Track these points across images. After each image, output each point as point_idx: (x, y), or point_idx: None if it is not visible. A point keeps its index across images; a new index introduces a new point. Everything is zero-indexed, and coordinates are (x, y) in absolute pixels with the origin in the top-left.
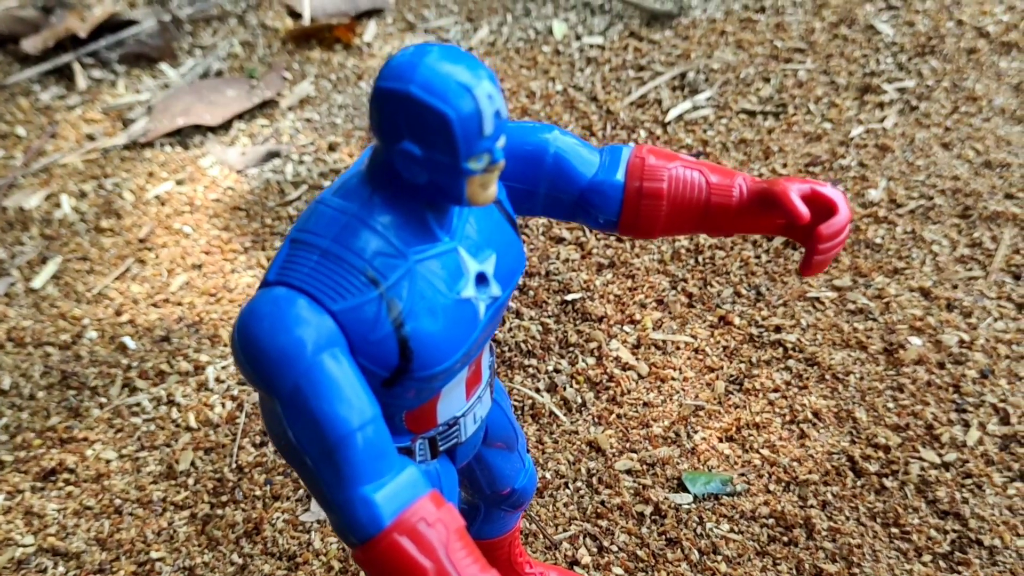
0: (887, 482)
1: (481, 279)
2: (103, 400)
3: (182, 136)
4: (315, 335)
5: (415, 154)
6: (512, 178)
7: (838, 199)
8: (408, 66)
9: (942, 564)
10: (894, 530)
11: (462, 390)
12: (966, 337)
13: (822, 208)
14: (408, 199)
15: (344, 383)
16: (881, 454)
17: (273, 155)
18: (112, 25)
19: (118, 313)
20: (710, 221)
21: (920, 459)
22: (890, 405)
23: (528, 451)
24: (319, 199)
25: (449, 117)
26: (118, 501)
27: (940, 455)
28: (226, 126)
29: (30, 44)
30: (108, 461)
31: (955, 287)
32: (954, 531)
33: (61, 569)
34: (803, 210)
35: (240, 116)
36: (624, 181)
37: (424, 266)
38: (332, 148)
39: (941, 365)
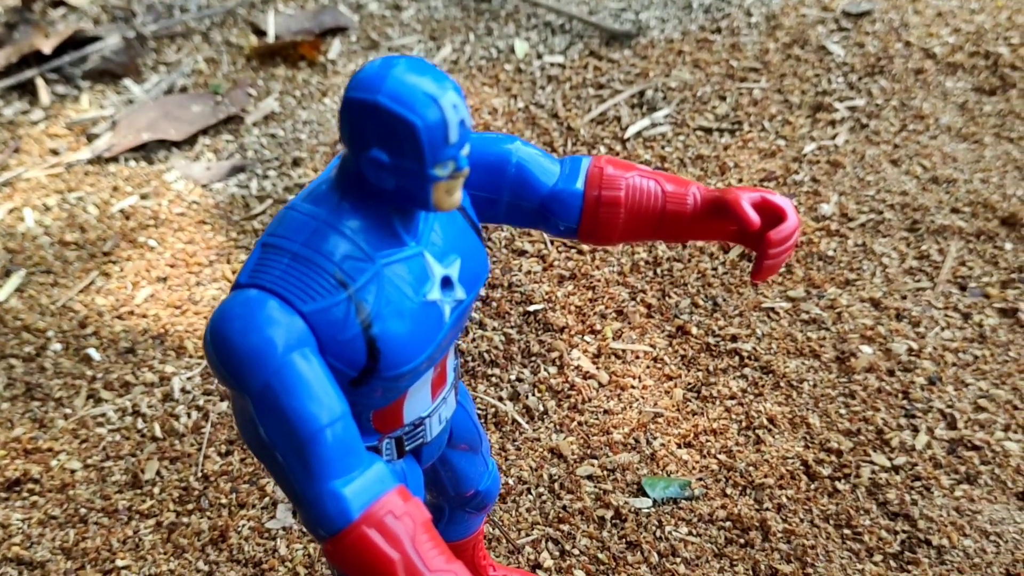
0: (839, 485)
1: (446, 283)
2: (68, 411)
3: (147, 151)
4: (285, 335)
5: (383, 161)
6: (476, 186)
7: (787, 206)
8: (376, 77)
9: (892, 564)
10: (846, 531)
11: (427, 391)
12: (915, 345)
13: (772, 215)
14: (376, 205)
15: (314, 381)
16: (834, 458)
17: (238, 170)
18: (76, 41)
19: (83, 325)
20: (666, 228)
21: (871, 463)
22: (842, 411)
23: (492, 455)
24: (289, 205)
25: (416, 125)
26: (83, 510)
27: (890, 459)
28: (191, 141)
29: None
30: (73, 471)
31: (904, 298)
32: (904, 532)
33: None
34: (753, 217)
35: (205, 131)
36: (583, 190)
37: (391, 269)
38: (296, 163)
39: (891, 372)
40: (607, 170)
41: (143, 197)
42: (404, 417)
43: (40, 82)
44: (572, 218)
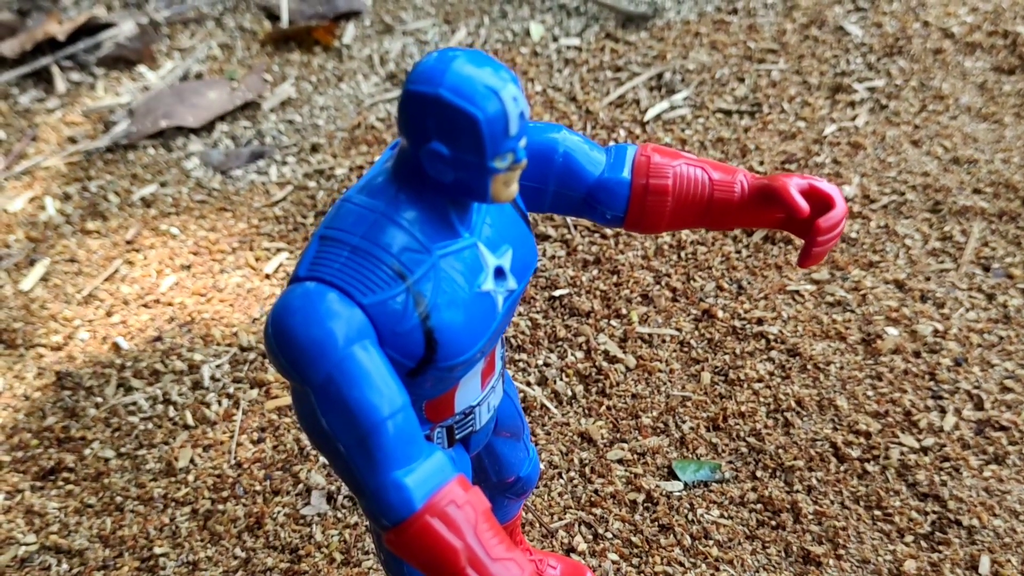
0: (869, 467)
1: (499, 273)
2: (99, 400)
3: (164, 138)
4: (346, 327)
5: (443, 154)
6: (523, 176)
7: (834, 193)
8: (437, 70)
9: (923, 544)
10: (877, 512)
11: (478, 380)
12: (940, 327)
13: (819, 202)
14: (432, 197)
15: (375, 373)
16: (862, 440)
17: (257, 156)
18: (90, 28)
19: (109, 314)
20: (712, 216)
21: (900, 444)
22: (869, 393)
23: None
24: (345, 198)
25: (478, 118)
26: (119, 498)
27: (919, 440)
28: (208, 128)
29: (7, 47)
30: (107, 460)
31: (928, 279)
32: (934, 512)
33: (65, 567)
34: (803, 204)
35: (222, 118)
36: (631, 178)
37: (447, 261)
38: (315, 149)
39: (917, 354)
40: (654, 158)
41: (163, 185)
42: (456, 406)
43: (55, 69)
44: (619, 207)
